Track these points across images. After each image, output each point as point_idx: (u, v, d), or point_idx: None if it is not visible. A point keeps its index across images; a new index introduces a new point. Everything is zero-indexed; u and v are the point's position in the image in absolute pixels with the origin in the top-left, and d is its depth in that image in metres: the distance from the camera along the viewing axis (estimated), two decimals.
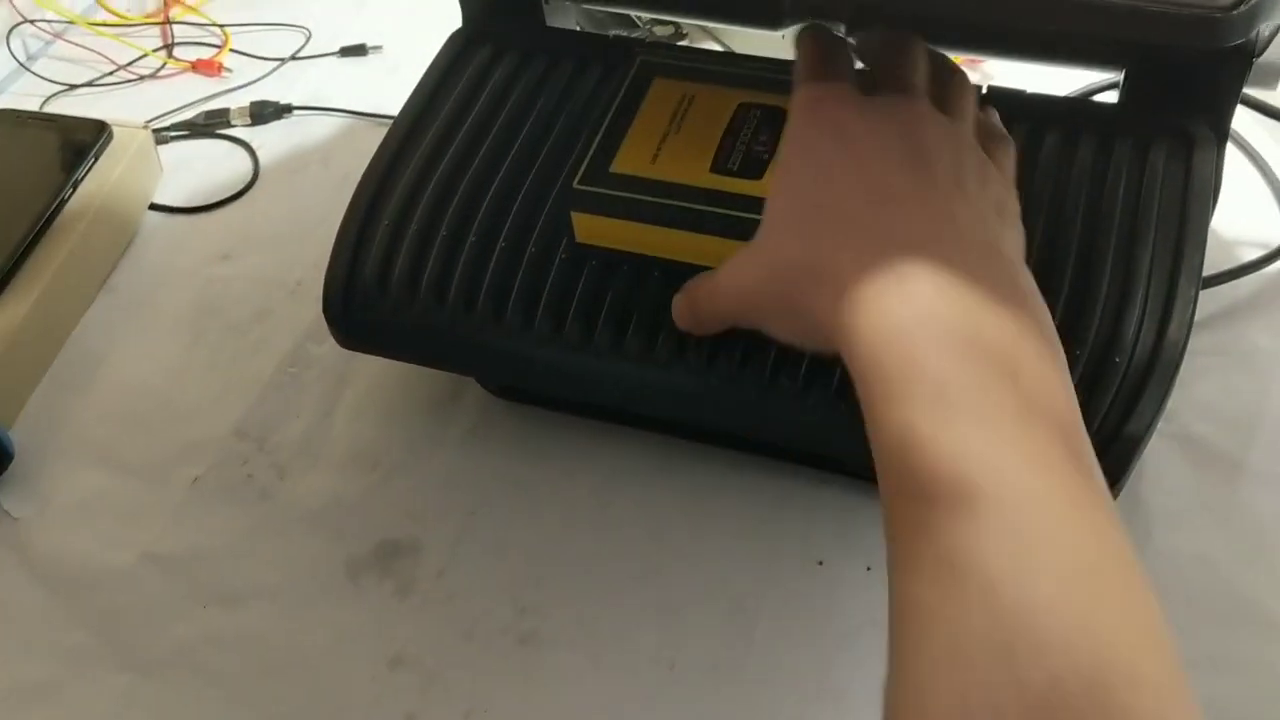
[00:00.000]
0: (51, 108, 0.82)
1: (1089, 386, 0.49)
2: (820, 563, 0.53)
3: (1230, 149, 0.48)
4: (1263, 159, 0.72)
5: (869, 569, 0.53)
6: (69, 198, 0.68)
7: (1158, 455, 0.56)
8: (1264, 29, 0.46)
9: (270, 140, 0.79)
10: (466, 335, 0.54)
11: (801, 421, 0.52)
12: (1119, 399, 0.49)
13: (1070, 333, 0.50)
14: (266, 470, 0.59)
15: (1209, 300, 0.63)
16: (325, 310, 0.56)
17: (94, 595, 0.54)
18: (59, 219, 0.67)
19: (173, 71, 0.85)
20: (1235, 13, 0.42)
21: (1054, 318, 0.47)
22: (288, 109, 0.80)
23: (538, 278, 0.54)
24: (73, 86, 0.83)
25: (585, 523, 0.56)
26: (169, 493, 0.58)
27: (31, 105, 0.81)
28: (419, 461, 0.60)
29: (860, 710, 0.49)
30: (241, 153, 0.78)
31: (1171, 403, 0.57)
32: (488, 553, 0.55)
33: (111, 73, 0.85)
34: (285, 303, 0.67)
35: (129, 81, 0.84)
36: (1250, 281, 0.64)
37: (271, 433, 0.61)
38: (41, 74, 0.85)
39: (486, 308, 0.54)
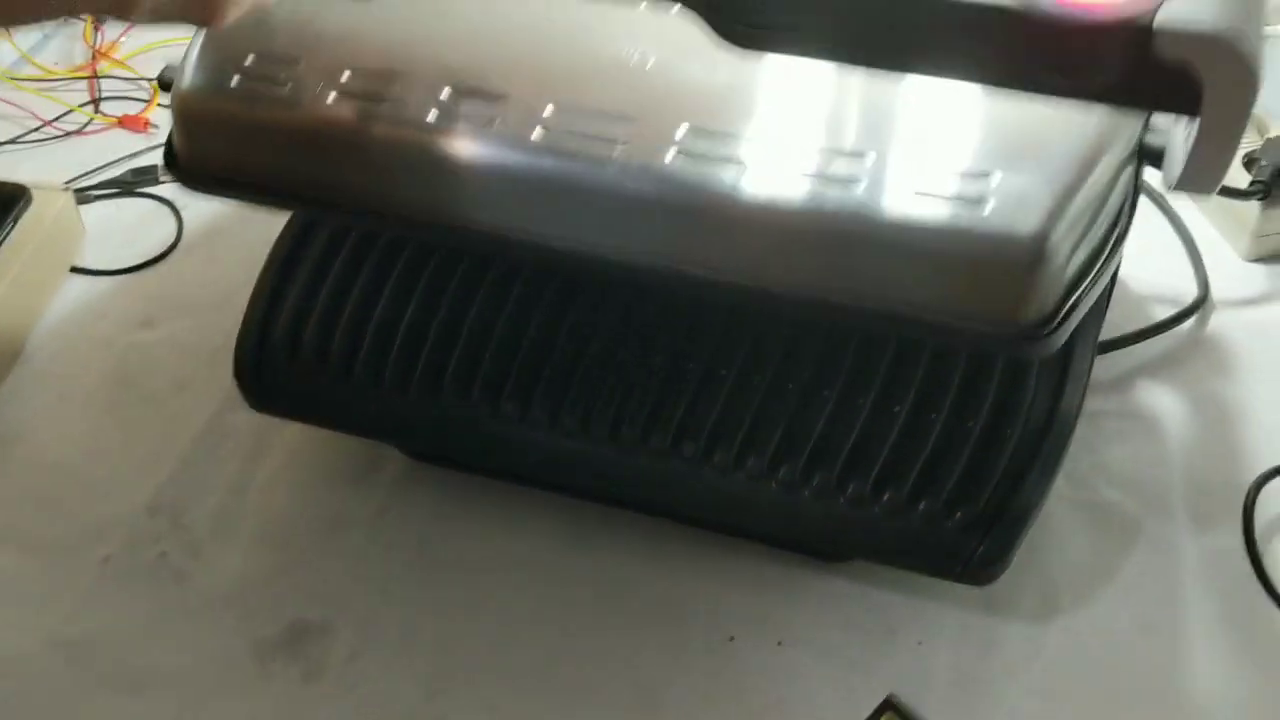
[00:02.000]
0: None
1: (978, 460, 0.49)
2: (731, 638, 0.53)
3: (1141, 201, 0.47)
4: (1173, 210, 0.72)
5: (780, 644, 0.53)
6: None
7: (1065, 524, 0.56)
8: None
9: (195, 199, 0.79)
10: (375, 402, 0.54)
11: (703, 491, 0.52)
12: (1007, 474, 0.49)
13: (964, 406, 0.50)
14: (179, 549, 0.59)
15: (1120, 361, 0.63)
16: (236, 373, 0.56)
17: None
18: None
19: (99, 127, 0.84)
20: (1046, 333, 0.40)
21: (949, 393, 0.47)
22: None
23: (444, 350, 0.54)
24: None
25: (496, 603, 0.55)
26: (78, 574, 0.58)
27: None
28: (333, 538, 0.59)
29: None
30: (166, 212, 0.77)
31: (1081, 468, 0.58)
32: (399, 635, 0.54)
33: (37, 129, 0.84)
34: (204, 371, 0.66)
35: (55, 138, 0.83)
36: (1162, 341, 0.65)
37: (186, 509, 0.61)
38: None
39: (395, 376, 0.54)
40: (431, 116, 0.44)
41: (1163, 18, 0.32)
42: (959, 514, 0.49)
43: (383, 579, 0.57)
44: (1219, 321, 0.66)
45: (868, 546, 0.51)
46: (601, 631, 0.54)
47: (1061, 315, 0.40)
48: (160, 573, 0.58)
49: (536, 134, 0.43)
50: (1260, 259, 0.69)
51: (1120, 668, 0.52)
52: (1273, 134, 0.72)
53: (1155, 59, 0.32)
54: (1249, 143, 0.72)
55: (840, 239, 0.40)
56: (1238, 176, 0.70)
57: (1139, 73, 0.33)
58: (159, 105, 0.85)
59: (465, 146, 0.44)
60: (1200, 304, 0.66)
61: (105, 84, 0.88)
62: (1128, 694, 0.51)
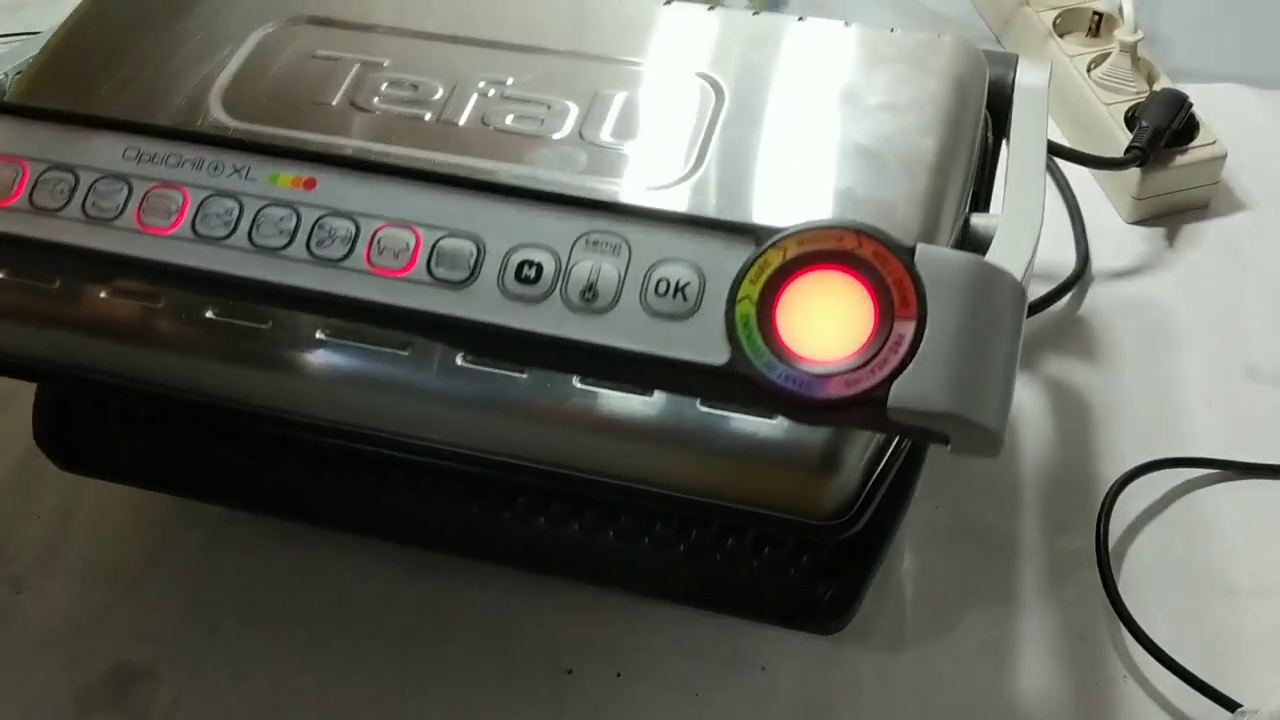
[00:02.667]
0: None
1: None
2: (569, 671, 0.51)
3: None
4: (1060, 172, 0.69)
5: (619, 675, 0.51)
6: None
7: (915, 537, 0.54)
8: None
9: None
10: (191, 463, 0.51)
11: (536, 543, 0.50)
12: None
13: None
14: (2, 585, 0.56)
15: None
16: (35, 435, 0.53)
17: None
18: None
19: None
20: (843, 523, 0.41)
21: None
22: None
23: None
24: None
25: (326, 642, 0.52)
26: None
27: None
28: (160, 572, 0.55)
29: None
30: None
31: (934, 474, 0.55)
32: (227, 677, 0.51)
33: None
34: (23, 390, 0.63)
35: None
36: (1033, 321, 0.62)
37: (9, 541, 0.57)
38: None
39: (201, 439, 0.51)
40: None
41: (895, 399, 0.32)
42: (804, 559, 0.46)
43: (211, 615, 0.54)
44: (1096, 295, 0.63)
45: (706, 597, 0.48)
46: (435, 666, 0.51)
47: (857, 508, 0.41)
48: None
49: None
50: (1141, 221, 0.66)
51: (963, 690, 0.50)
52: (1159, 85, 0.69)
53: (893, 421, 0.33)
54: (1134, 94, 0.69)
55: (636, 440, 0.41)
56: (1118, 135, 0.66)
57: (878, 424, 0.34)
58: None
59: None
60: (1078, 277, 0.63)
61: None
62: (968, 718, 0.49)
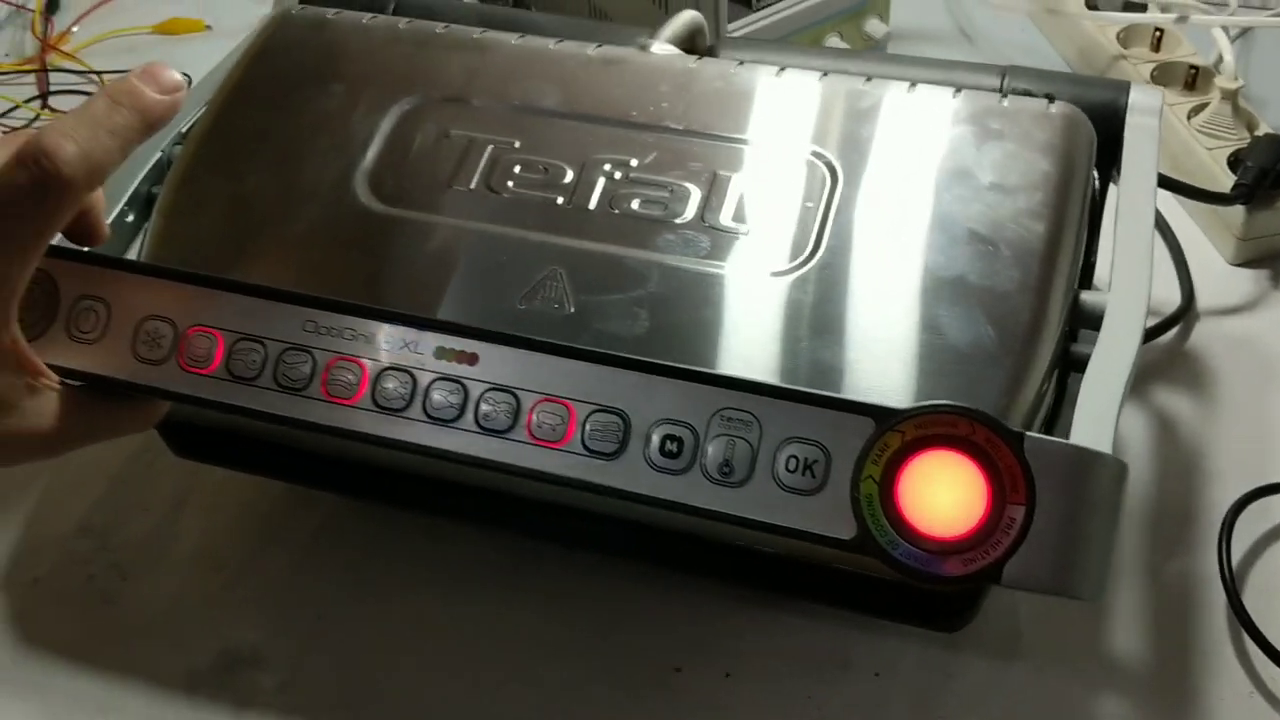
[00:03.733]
0: None
1: None
2: (678, 670, 0.51)
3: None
4: (1159, 213, 0.69)
5: (728, 675, 0.51)
6: None
7: None
8: None
9: None
10: (297, 454, 0.51)
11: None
12: None
13: None
14: (108, 570, 0.56)
15: None
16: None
17: None
18: None
19: (48, 122, 0.82)
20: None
21: None
22: None
23: None
24: None
25: (434, 631, 0.53)
26: (7, 597, 0.55)
27: None
28: (268, 560, 0.57)
29: None
30: None
31: None
32: (333, 663, 0.52)
33: None
34: None
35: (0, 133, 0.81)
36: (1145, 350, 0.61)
37: (117, 529, 0.58)
38: None
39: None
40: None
41: (1007, 578, 0.36)
42: None
43: (317, 605, 0.54)
44: (1202, 332, 0.63)
45: (826, 595, 0.48)
46: (543, 663, 0.52)
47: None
48: (89, 597, 0.56)
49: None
50: (1245, 263, 0.67)
51: (1079, 702, 0.49)
52: (1260, 131, 0.70)
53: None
54: (1236, 140, 0.69)
55: None
56: (1221, 177, 0.67)
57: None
58: None
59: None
60: (1183, 314, 0.64)
61: (54, 77, 0.85)
62: None
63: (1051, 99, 0.49)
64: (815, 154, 0.48)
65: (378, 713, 0.51)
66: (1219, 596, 0.52)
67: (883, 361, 0.43)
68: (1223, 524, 0.53)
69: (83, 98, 0.83)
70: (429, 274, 0.47)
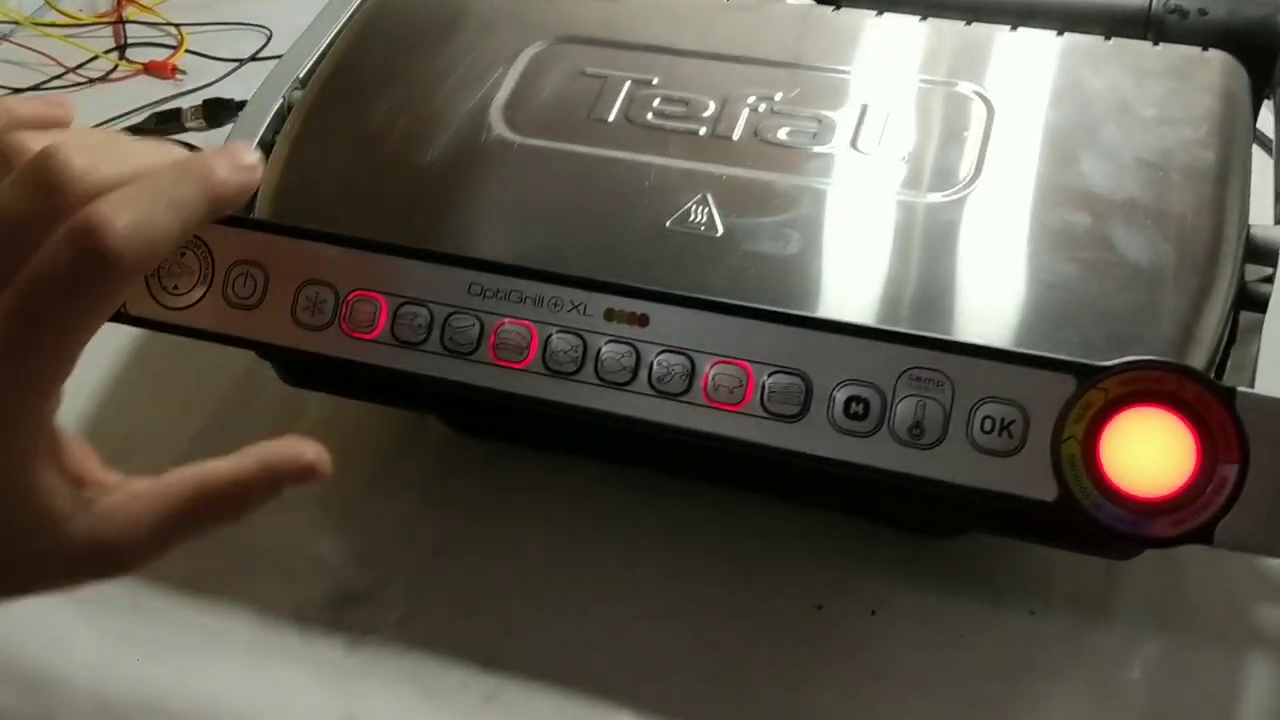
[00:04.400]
0: None
1: None
2: (819, 606, 0.48)
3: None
4: None
5: (874, 613, 0.48)
6: None
7: None
8: None
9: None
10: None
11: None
12: None
13: None
14: None
15: None
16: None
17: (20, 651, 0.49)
18: None
19: (125, 74, 0.80)
20: None
21: None
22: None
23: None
24: (18, 91, 0.78)
25: (559, 566, 0.51)
26: None
27: None
28: (375, 499, 0.55)
29: None
30: None
31: None
32: (450, 600, 0.50)
33: (60, 76, 0.79)
34: None
35: (78, 85, 0.79)
36: None
37: None
38: None
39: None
40: None
41: (1219, 539, 0.35)
42: None
43: (432, 542, 0.52)
44: None
45: (992, 521, 0.45)
46: (674, 598, 0.50)
47: None
48: None
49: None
50: None
51: (1245, 638, 0.47)
52: None
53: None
54: None
55: None
56: None
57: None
58: (187, 51, 0.81)
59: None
60: None
61: (131, 29, 0.83)
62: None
63: (1205, 47, 0.48)
64: (967, 88, 0.47)
65: (503, 649, 0.48)
66: None
67: (1055, 283, 0.41)
68: None
69: (160, 50, 0.82)
70: (573, 201, 0.46)
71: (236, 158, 0.32)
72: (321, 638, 0.49)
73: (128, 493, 0.32)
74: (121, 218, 0.29)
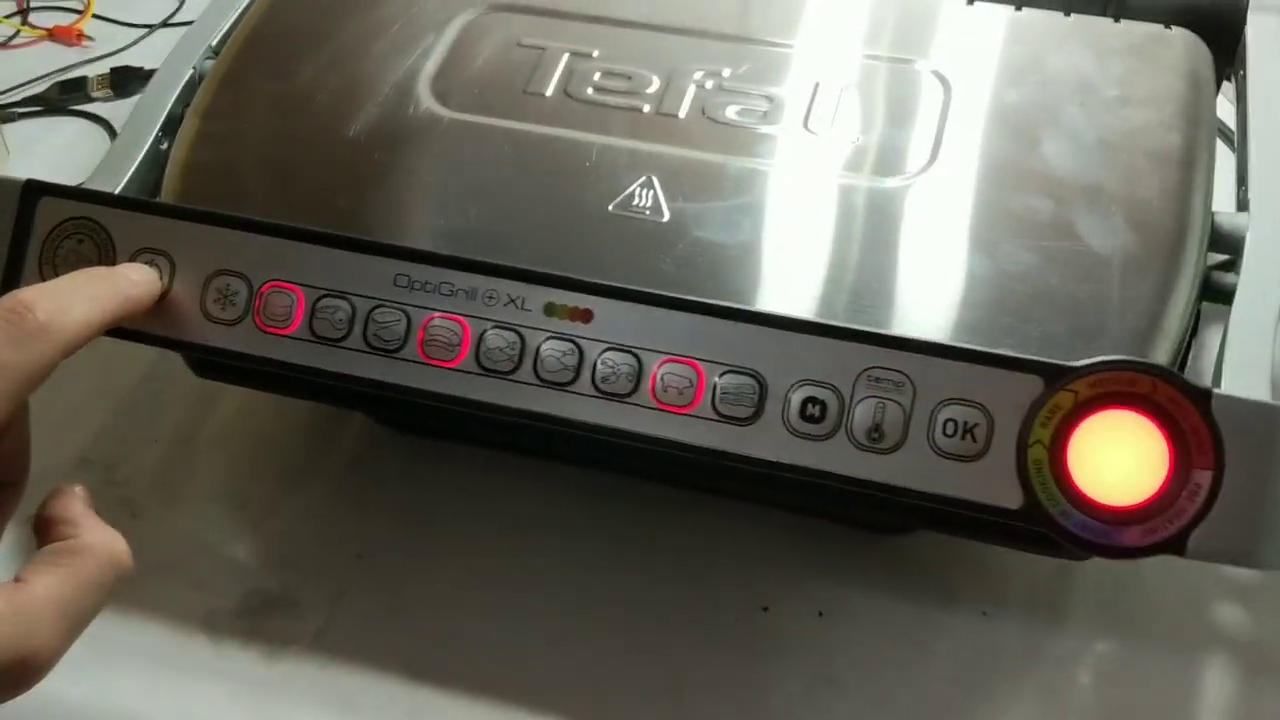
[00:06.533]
0: None
1: None
2: (765, 609, 0.46)
3: None
4: None
5: (821, 614, 0.46)
6: None
7: None
8: None
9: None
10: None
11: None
12: None
13: None
14: (115, 506, 0.51)
15: None
16: None
17: None
18: None
19: (27, 40, 0.76)
20: None
21: None
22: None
23: None
24: None
25: (492, 571, 0.49)
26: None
27: None
28: (294, 498, 0.52)
29: None
30: (100, 132, 0.69)
31: None
32: (376, 607, 0.48)
33: None
34: None
35: None
36: None
37: (122, 462, 0.53)
38: None
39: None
40: None
41: (1193, 549, 0.33)
42: None
43: (354, 542, 0.50)
44: None
45: (945, 523, 0.43)
46: (616, 602, 0.47)
47: None
48: None
49: None
50: None
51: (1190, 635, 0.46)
52: None
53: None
54: None
55: None
56: None
57: None
58: (94, 16, 0.76)
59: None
60: None
61: None
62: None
63: (1168, 24, 0.46)
64: (923, 66, 0.45)
65: (433, 660, 0.46)
66: None
67: (1017, 273, 0.39)
68: None
69: (65, 14, 0.77)
70: (508, 183, 0.43)
71: (136, 270, 0.38)
72: (237, 649, 0.46)
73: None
74: (44, 300, 0.34)
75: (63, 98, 0.70)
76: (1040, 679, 0.45)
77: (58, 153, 0.68)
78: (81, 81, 0.70)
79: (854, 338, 0.35)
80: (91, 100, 0.70)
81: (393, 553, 0.50)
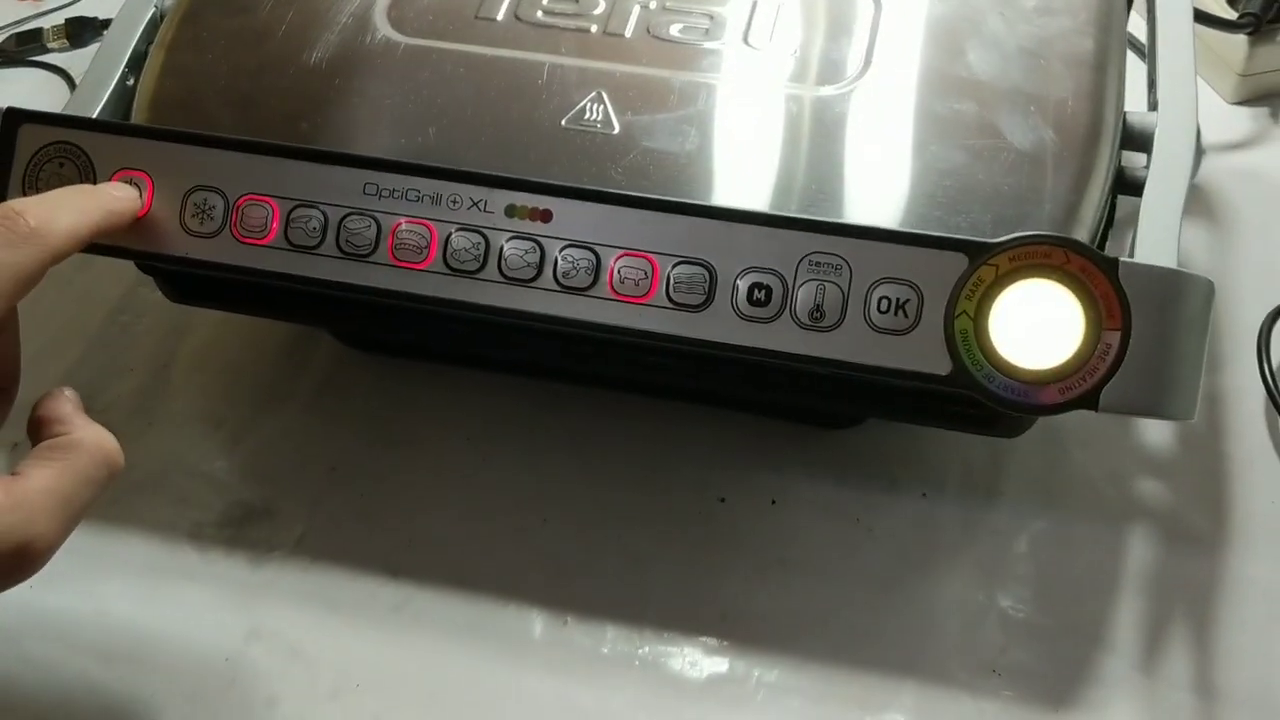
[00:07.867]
0: None
1: None
2: (721, 500, 0.49)
3: None
4: None
5: (774, 502, 0.49)
6: None
7: None
8: None
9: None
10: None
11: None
12: None
13: None
14: None
15: None
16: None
17: None
18: None
19: None
20: None
21: None
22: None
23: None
24: None
25: (462, 476, 0.51)
26: None
27: None
28: (269, 417, 0.54)
29: (767, 652, 0.46)
30: (59, 82, 0.69)
31: None
32: (352, 514, 0.50)
33: None
34: None
35: None
36: None
37: (100, 392, 0.55)
38: None
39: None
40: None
41: (1104, 403, 0.37)
42: None
43: (330, 456, 0.52)
44: (1208, 167, 0.63)
45: (887, 405, 0.46)
46: (580, 500, 0.50)
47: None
48: None
49: None
50: (1244, 102, 0.66)
51: (1124, 511, 0.49)
52: None
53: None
54: None
55: None
56: (1220, 14, 0.67)
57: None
58: None
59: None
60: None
61: None
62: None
63: None
64: None
65: (409, 557, 0.48)
66: (1255, 406, 0.51)
67: (945, 169, 0.42)
68: (1260, 333, 0.53)
69: None
70: (465, 103, 0.45)
71: (118, 188, 0.41)
72: (222, 557, 0.49)
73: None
74: (33, 206, 0.37)
75: (19, 49, 0.71)
76: (977, 551, 0.49)
77: (18, 102, 0.69)
78: (37, 33, 0.71)
79: (795, 226, 0.38)
80: (48, 51, 0.71)
81: (365, 464, 0.52)
